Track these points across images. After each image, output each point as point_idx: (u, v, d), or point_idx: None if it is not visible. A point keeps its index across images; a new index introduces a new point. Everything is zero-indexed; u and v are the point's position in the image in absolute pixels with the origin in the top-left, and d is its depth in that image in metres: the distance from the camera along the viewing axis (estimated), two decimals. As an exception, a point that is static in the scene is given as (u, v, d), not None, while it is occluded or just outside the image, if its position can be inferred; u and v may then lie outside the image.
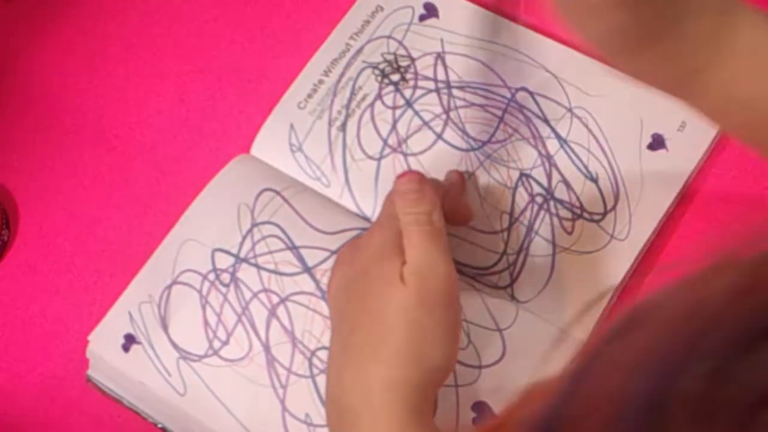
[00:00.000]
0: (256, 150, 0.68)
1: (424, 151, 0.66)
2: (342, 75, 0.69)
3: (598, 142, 0.64)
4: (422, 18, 0.70)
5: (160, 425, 0.63)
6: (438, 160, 0.65)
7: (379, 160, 0.66)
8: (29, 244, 0.70)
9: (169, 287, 0.64)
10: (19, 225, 0.70)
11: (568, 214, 0.63)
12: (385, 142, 0.66)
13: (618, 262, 0.61)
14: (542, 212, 0.63)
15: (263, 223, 0.64)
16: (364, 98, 0.68)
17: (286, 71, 0.70)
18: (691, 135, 0.64)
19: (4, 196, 0.71)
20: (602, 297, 0.61)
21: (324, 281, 0.62)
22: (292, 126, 0.68)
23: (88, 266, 0.68)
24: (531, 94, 0.66)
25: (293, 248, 0.63)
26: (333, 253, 0.63)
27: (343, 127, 0.67)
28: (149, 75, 0.73)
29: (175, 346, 0.62)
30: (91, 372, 0.64)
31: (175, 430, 0.62)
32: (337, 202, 0.66)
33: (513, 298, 0.62)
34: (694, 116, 0.63)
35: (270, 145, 0.68)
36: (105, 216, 0.70)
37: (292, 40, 0.72)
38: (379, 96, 0.68)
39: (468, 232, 0.63)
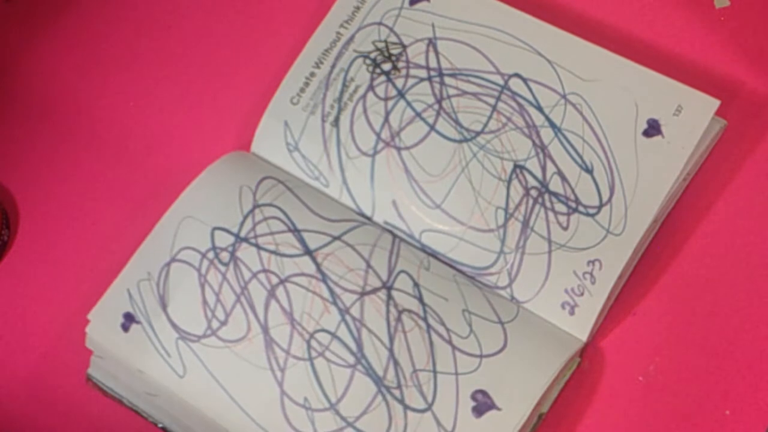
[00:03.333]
0: (255, 150, 0.67)
1: (417, 143, 0.64)
2: (333, 66, 0.67)
3: (592, 129, 0.62)
4: (413, 2, 0.67)
5: (160, 425, 0.63)
6: (431, 152, 0.64)
7: (373, 156, 0.64)
8: (29, 244, 0.70)
9: (168, 264, 0.63)
10: (19, 225, 0.71)
11: (564, 208, 0.61)
12: (378, 135, 0.65)
13: (614, 258, 0.59)
14: (537, 206, 0.61)
15: (265, 204, 0.64)
16: (356, 90, 0.66)
17: (280, 62, 0.69)
18: (688, 119, 0.61)
19: (4, 196, 0.71)
20: (600, 295, 0.59)
21: (325, 264, 0.61)
22: (286, 124, 0.67)
23: (88, 266, 0.69)
24: (524, 80, 0.64)
25: (295, 231, 0.63)
26: (335, 238, 0.62)
27: (336, 122, 0.66)
28: (149, 75, 0.73)
29: (174, 325, 0.62)
30: (91, 371, 0.64)
31: (175, 428, 0.62)
32: (338, 201, 0.65)
33: (513, 298, 0.60)
34: (689, 98, 0.60)
35: (268, 145, 0.67)
36: (104, 216, 0.70)
37: (285, 33, 0.71)
38: (371, 87, 0.66)
39: (465, 231, 0.62)
